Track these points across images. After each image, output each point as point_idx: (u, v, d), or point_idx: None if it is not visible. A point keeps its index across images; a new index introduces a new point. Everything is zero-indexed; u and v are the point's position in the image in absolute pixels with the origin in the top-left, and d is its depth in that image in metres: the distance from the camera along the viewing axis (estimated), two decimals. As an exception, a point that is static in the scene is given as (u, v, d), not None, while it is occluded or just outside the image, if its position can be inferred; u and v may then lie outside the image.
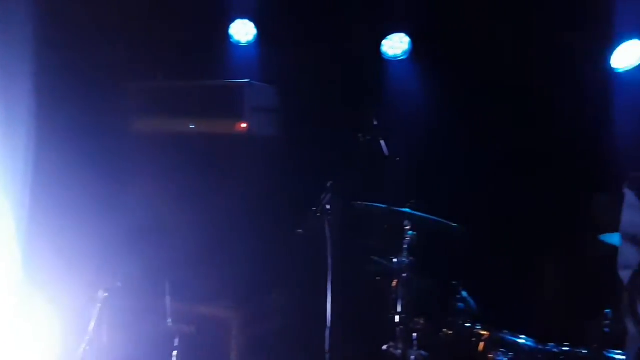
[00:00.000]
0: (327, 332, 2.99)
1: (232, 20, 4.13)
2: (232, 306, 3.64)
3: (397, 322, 2.94)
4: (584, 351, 2.68)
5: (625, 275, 1.41)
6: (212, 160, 3.76)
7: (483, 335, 2.87)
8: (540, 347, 2.77)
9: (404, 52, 4.00)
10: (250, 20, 4.12)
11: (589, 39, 3.39)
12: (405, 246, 3.08)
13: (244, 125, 3.78)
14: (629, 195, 1.46)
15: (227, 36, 4.12)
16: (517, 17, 3.53)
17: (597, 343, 2.59)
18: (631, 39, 3.33)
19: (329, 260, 3.07)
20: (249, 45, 4.15)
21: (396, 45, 3.99)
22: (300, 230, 3.20)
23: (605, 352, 2.58)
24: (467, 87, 3.74)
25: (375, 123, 3.28)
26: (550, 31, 3.47)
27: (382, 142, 3.27)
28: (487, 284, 3.30)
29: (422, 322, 2.97)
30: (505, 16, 3.57)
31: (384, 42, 3.99)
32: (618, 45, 3.36)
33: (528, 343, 2.81)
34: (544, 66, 3.54)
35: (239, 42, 4.15)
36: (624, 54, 3.35)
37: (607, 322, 2.51)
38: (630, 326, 1.37)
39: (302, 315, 3.59)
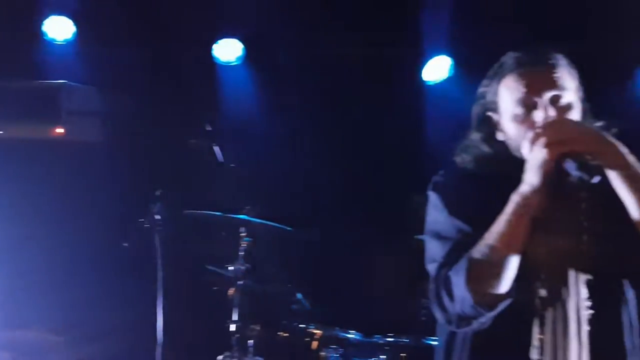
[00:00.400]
0: (158, 349, 2.95)
1: (46, 16, 3.90)
2: (53, 329, 3.43)
3: (232, 331, 3.00)
4: (405, 340, 2.98)
5: (431, 268, 1.58)
6: (26, 169, 3.52)
7: (316, 334, 3.05)
8: (367, 339, 3.03)
9: (238, 58, 4.08)
10: (68, 16, 3.92)
11: (404, 54, 3.82)
12: (242, 253, 3.15)
13: (60, 130, 3.60)
14: (432, 196, 1.64)
15: (40, 33, 3.88)
16: (338, 29, 3.82)
17: (416, 331, 2.90)
18: (440, 54, 3.82)
19: (160, 274, 3.03)
20: (67, 43, 3.95)
21: (228, 50, 4.07)
22: (126, 244, 3.11)
23: (424, 340, 2.91)
24: (300, 94, 3.94)
25: (209, 128, 3.31)
26: (371, 45, 3.82)
27: (216, 148, 3.30)
28: (320, 284, 3.50)
29: (257, 328, 3.06)
30: (325, 28, 3.84)
31: (214, 46, 4.05)
32: (428, 59, 3.83)
33: (356, 337, 3.05)
34: (367, 78, 3.87)
35: (54, 40, 3.93)
36: (434, 68, 3.84)
37: (424, 311, 2.82)
38: (438, 315, 1.58)
39: (131, 333, 3.50)
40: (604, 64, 3.29)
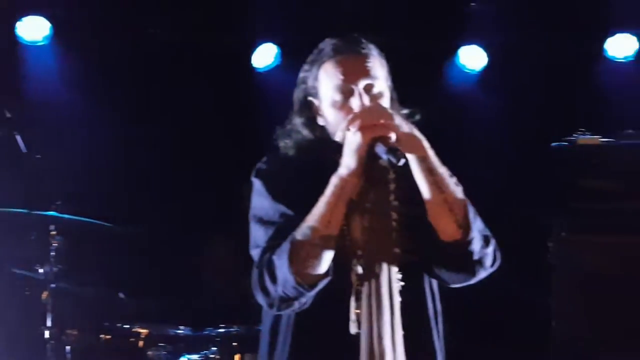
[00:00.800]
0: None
1: None
2: None
3: (47, 338, 2.86)
4: (237, 329, 3.07)
5: (255, 253, 1.64)
6: None
7: (142, 333, 3.02)
8: (197, 333, 3.07)
9: (44, 37, 3.85)
10: None
11: (236, 41, 3.88)
12: (53, 253, 3.01)
13: None
14: (255, 182, 1.70)
15: None
16: (162, 12, 3.77)
17: (247, 320, 3.00)
18: (267, 41, 3.97)
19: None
20: None
21: (34, 28, 3.83)
22: None
23: (255, 327, 3.01)
24: (118, 78, 3.82)
25: (9, 115, 3.10)
26: (198, 31, 3.83)
27: (18, 137, 3.11)
28: (144, 281, 3.45)
29: (75, 333, 2.95)
30: (147, 9, 3.77)
31: (18, 24, 3.78)
32: (257, 47, 3.96)
33: (186, 332, 3.07)
34: (193, 64, 3.87)
35: None
36: (262, 54, 3.97)
37: (253, 299, 2.93)
38: (260, 299, 1.63)
39: None
40: (414, 55, 3.65)
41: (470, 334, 3.34)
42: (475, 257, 1.59)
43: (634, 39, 3.82)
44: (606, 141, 3.42)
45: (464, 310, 2.82)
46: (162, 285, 3.59)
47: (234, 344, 3.07)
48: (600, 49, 3.87)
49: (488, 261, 1.62)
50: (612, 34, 3.84)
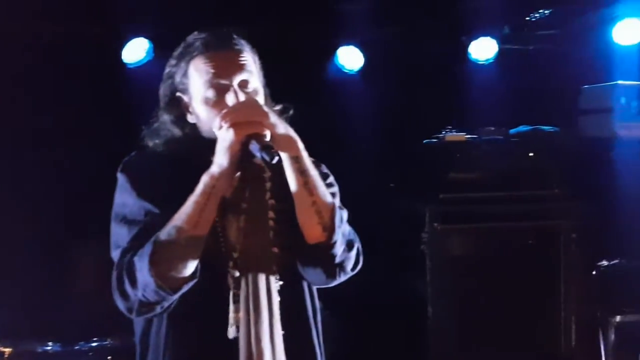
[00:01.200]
0: None
1: None
2: None
3: None
4: (111, 341, 2.92)
5: (115, 255, 1.55)
6: None
7: (5, 352, 2.81)
8: (67, 348, 2.90)
9: None
10: None
11: (106, 35, 3.67)
12: None
13: None
14: (120, 178, 1.61)
15: None
16: (31, 1, 3.50)
17: (122, 331, 2.85)
18: (138, 36, 3.78)
19: None
20: None
21: None
22: None
23: (132, 338, 2.87)
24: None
25: None
26: (67, 24, 3.59)
27: None
28: (8, 294, 3.17)
29: None
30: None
31: None
32: (127, 41, 3.77)
33: (55, 348, 2.89)
34: (64, 58, 3.62)
35: None
36: (134, 49, 3.79)
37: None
38: (119, 303, 1.52)
39: None
40: (291, 52, 3.64)
41: (351, 328, 3.38)
42: (337, 260, 1.58)
43: (494, 42, 4.05)
44: (471, 137, 3.69)
45: (343, 306, 2.84)
46: (25, 298, 3.30)
47: (108, 357, 2.92)
48: (465, 52, 4.07)
49: (349, 265, 1.62)
50: (476, 38, 4.05)
